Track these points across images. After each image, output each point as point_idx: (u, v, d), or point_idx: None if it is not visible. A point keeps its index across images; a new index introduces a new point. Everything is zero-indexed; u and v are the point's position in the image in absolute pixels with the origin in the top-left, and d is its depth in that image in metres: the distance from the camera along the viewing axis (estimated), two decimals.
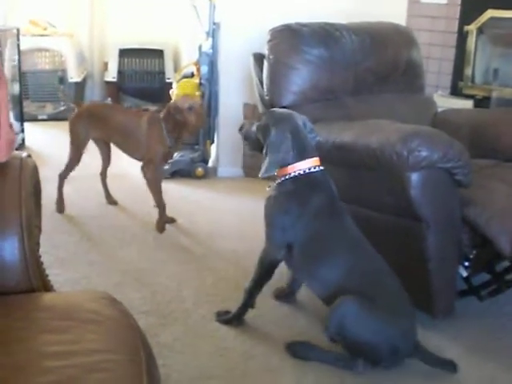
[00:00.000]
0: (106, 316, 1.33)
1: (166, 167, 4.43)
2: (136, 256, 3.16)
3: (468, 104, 4.05)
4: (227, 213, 3.86)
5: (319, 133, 2.74)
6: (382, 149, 2.41)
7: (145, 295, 2.74)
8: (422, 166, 2.34)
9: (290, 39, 3.03)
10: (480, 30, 4.16)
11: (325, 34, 3.09)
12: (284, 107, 2.95)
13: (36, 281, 1.47)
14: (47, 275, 1.61)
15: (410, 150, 2.32)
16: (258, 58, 3.12)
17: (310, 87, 3.00)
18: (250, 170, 4.55)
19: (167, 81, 6.28)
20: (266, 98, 3.03)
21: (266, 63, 3.04)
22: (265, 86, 3.04)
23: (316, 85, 3.02)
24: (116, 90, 6.34)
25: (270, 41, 3.05)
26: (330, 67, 3.06)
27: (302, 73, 2.99)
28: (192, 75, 4.64)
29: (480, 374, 2.29)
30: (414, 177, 2.36)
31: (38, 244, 1.58)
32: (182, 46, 6.21)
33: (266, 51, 3.06)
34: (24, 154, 1.65)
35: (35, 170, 1.65)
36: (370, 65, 3.19)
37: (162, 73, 6.41)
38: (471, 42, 4.16)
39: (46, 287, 1.54)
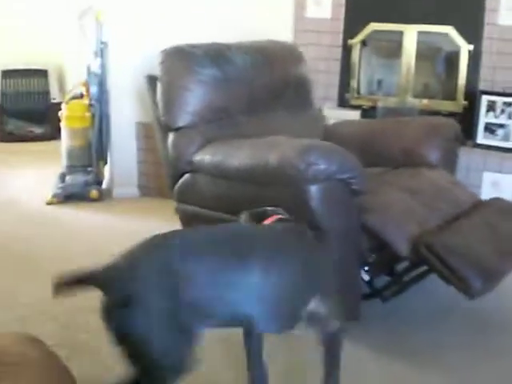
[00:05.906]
0: (33, 358, 1.31)
1: (59, 191, 4.33)
2: (40, 288, 3.07)
3: (355, 114, 4.20)
4: (126, 235, 3.81)
5: (215, 153, 2.79)
6: (280, 164, 2.49)
7: (51, 328, 2.67)
8: (321, 178, 2.44)
9: (182, 61, 3.05)
10: (363, 43, 4.33)
11: (216, 54, 3.13)
12: (180, 128, 2.99)
13: None
14: None
15: (309, 163, 2.41)
16: (152, 80, 3.13)
17: (204, 107, 3.03)
18: (146, 189, 4.54)
19: (52, 101, 6.17)
20: (162, 119, 3.05)
21: (159, 85, 3.06)
22: (160, 108, 3.06)
23: (210, 105, 3.06)
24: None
25: (162, 62, 3.05)
26: (224, 86, 3.10)
27: (196, 93, 3.01)
28: (81, 96, 4.56)
29: (388, 375, 2.40)
30: (314, 189, 2.45)
31: None
32: (68, 66, 6.08)
33: (158, 73, 3.07)
34: None
35: None
36: (263, 82, 3.26)
37: (46, 93, 6.27)
38: (355, 54, 4.32)
39: None
